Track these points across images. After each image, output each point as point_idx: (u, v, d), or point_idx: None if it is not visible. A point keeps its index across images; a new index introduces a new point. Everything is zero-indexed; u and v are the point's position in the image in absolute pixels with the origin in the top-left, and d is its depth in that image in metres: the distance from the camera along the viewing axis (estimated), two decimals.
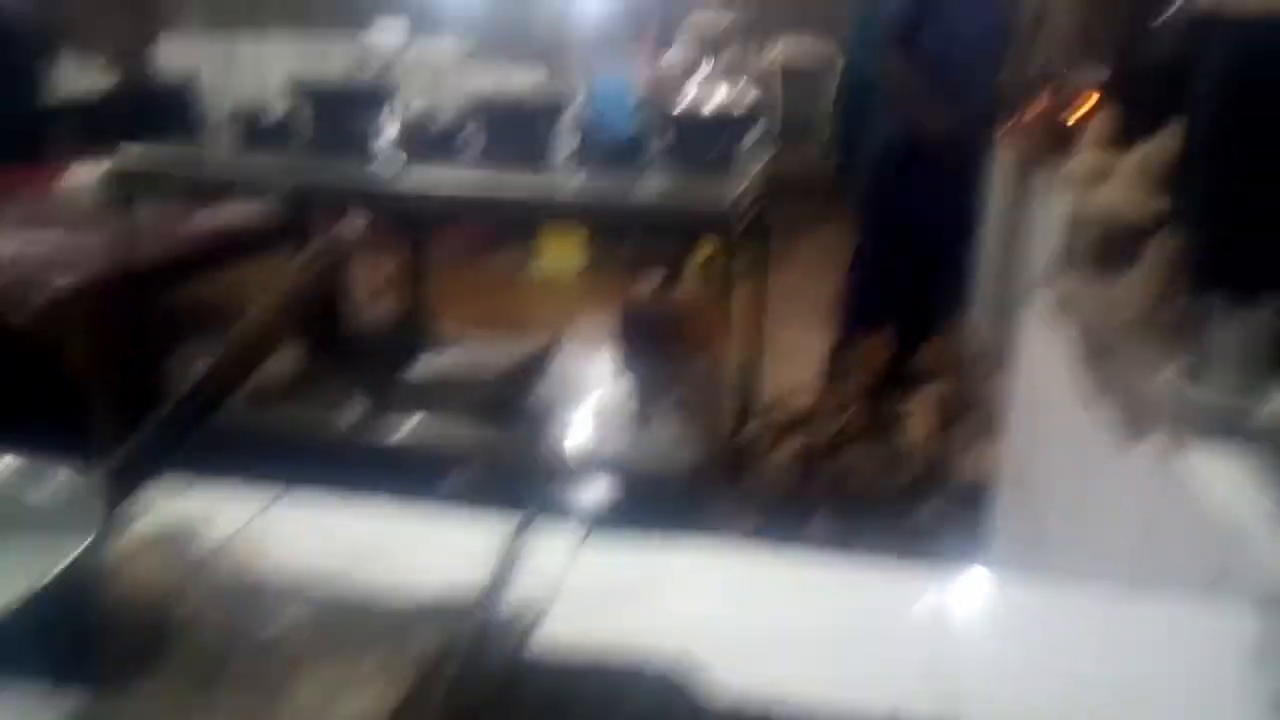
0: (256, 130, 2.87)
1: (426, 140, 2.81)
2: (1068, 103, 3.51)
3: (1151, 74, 2.93)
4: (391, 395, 2.75)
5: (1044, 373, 1.85)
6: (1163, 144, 2.36)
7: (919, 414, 3.20)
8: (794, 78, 7.08)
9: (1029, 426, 2.12)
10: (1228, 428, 1.18)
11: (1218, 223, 1.52)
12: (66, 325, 2.40)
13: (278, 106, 2.92)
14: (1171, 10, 3.80)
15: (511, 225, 5.42)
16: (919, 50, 3.49)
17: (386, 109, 2.86)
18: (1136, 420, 1.29)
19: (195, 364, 0.87)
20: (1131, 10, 4.04)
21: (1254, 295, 1.22)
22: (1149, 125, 2.76)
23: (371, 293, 3.64)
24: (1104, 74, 3.37)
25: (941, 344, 3.68)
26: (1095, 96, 3.40)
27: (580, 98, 3.08)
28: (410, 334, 3.22)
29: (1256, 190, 1.46)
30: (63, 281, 2.48)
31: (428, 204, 2.71)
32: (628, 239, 4.80)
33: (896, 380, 3.53)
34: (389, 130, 2.86)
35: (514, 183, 2.58)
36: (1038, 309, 1.92)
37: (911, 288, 3.68)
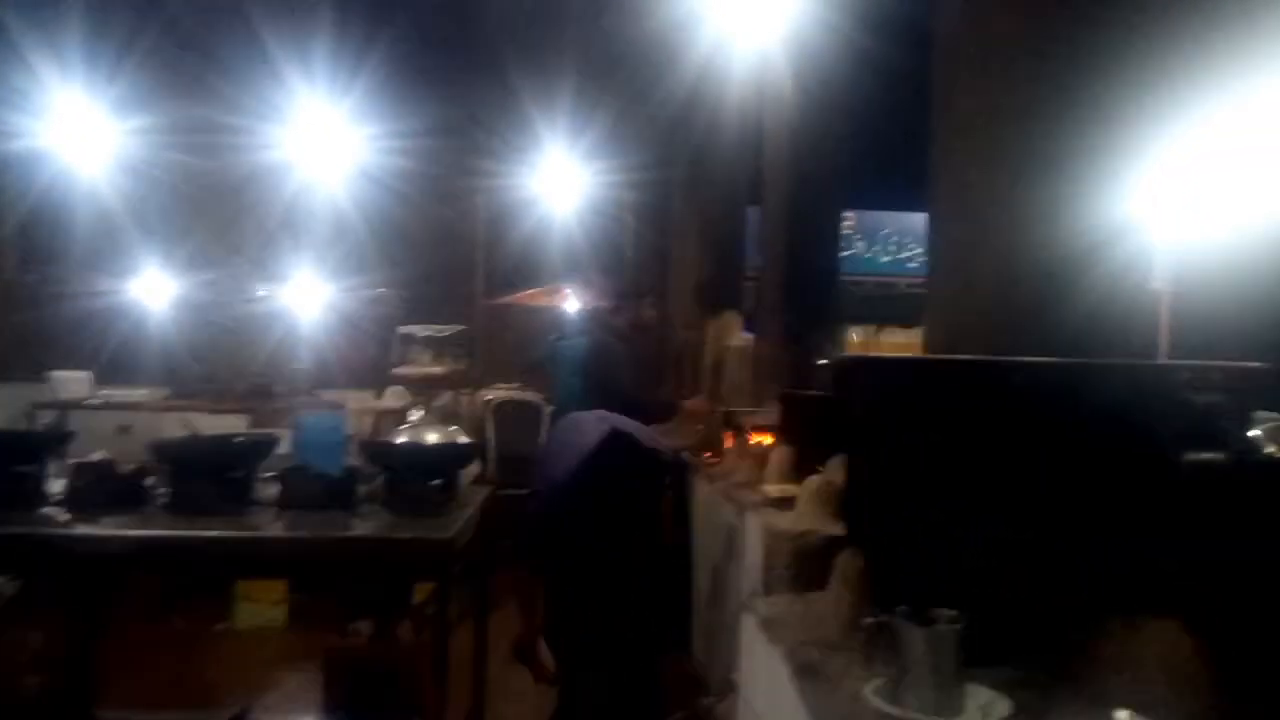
0: None
1: (101, 491, 2.55)
2: (749, 439, 3.92)
3: (812, 411, 3.39)
4: None
5: (765, 694, 1.87)
6: (832, 472, 2.67)
7: None
8: (506, 420, 7.42)
9: None
10: None
11: (886, 543, 1.69)
12: None
13: None
14: (826, 357, 4.50)
15: (204, 578, 4.91)
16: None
17: (57, 459, 2.60)
18: None
19: None
20: (791, 360, 4.75)
21: (932, 608, 1.35)
22: (819, 456, 3.13)
23: (24, 665, 3.07)
24: (774, 413, 3.84)
25: (669, 673, 3.66)
26: (771, 434, 3.84)
27: (286, 439, 2.99)
28: (74, 711, 2.70)
29: (910, 514, 1.66)
30: None
31: (98, 562, 2.40)
32: (338, 586, 4.49)
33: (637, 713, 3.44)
34: (59, 482, 2.57)
35: (203, 533, 2.37)
36: (749, 631, 1.99)
37: (633, 610, 3.70)
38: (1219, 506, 1.49)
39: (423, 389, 6.41)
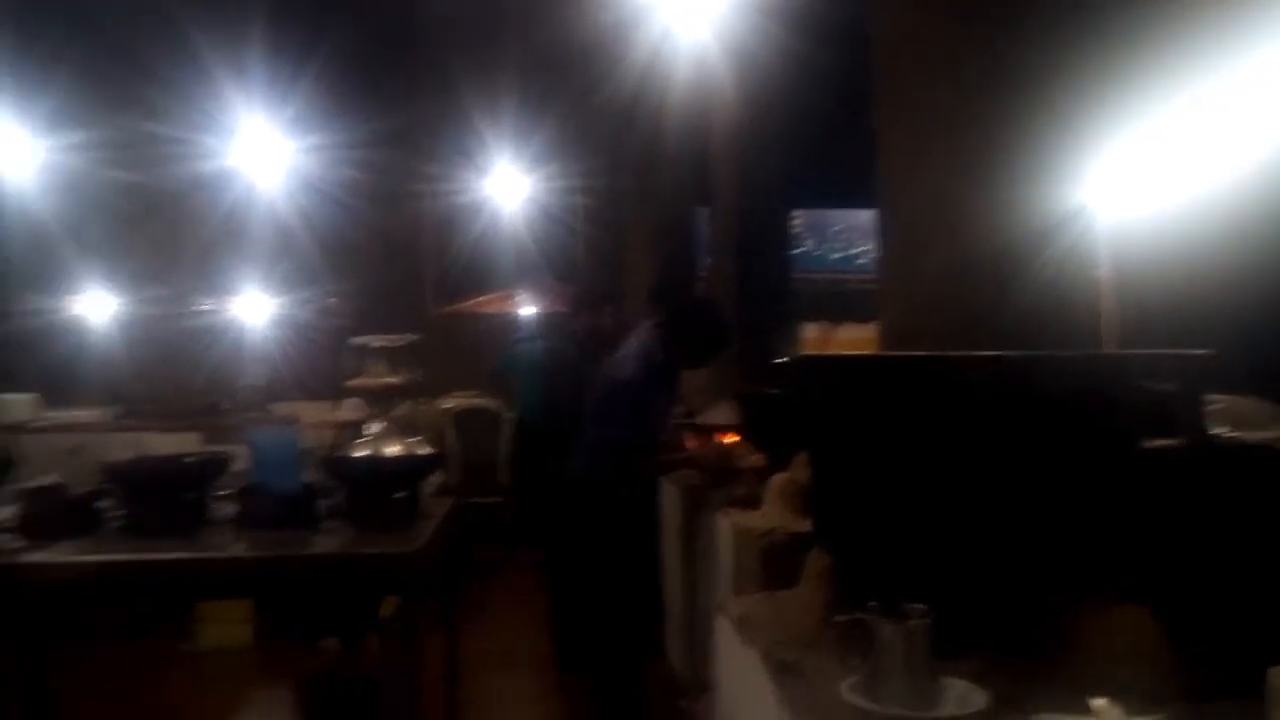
0: None
1: (53, 517, 2.48)
2: (712, 440, 3.94)
3: (771, 410, 3.42)
4: None
5: (742, 694, 1.89)
6: (795, 471, 2.69)
7: None
8: (467, 430, 7.37)
9: None
10: None
11: (852, 540, 1.72)
12: None
13: None
14: (780, 357, 4.54)
15: (163, 600, 4.80)
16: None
17: (3, 486, 2.53)
18: None
19: None
20: (747, 359, 4.78)
21: (902, 603, 1.37)
22: (781, 455, 3.16)
23: None
24: (734, 414, 3.86)
25: (651, 677, 3.68)
26: (732, 433, 3.87)
27: (241, 457, 2.94)
28: None
29: (874, 510, 1.69)
30: None
31: (54, 590, 2.33)
32: (301, 604, 4.42)
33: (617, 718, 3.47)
34: (8, 508, 2.50)
35: (161, 556, 2.32)
36: (723, 631, 2.00)
37: (606, 617, 3.69)
38: (1178, 491, 1.53)
39: (380, 400, 6.34)
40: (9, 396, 5.95)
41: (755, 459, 3.35)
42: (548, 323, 6.00)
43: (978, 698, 1.29)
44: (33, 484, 2.63)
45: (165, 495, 2.53)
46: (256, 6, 6.62)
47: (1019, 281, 2.50)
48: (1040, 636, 1.44)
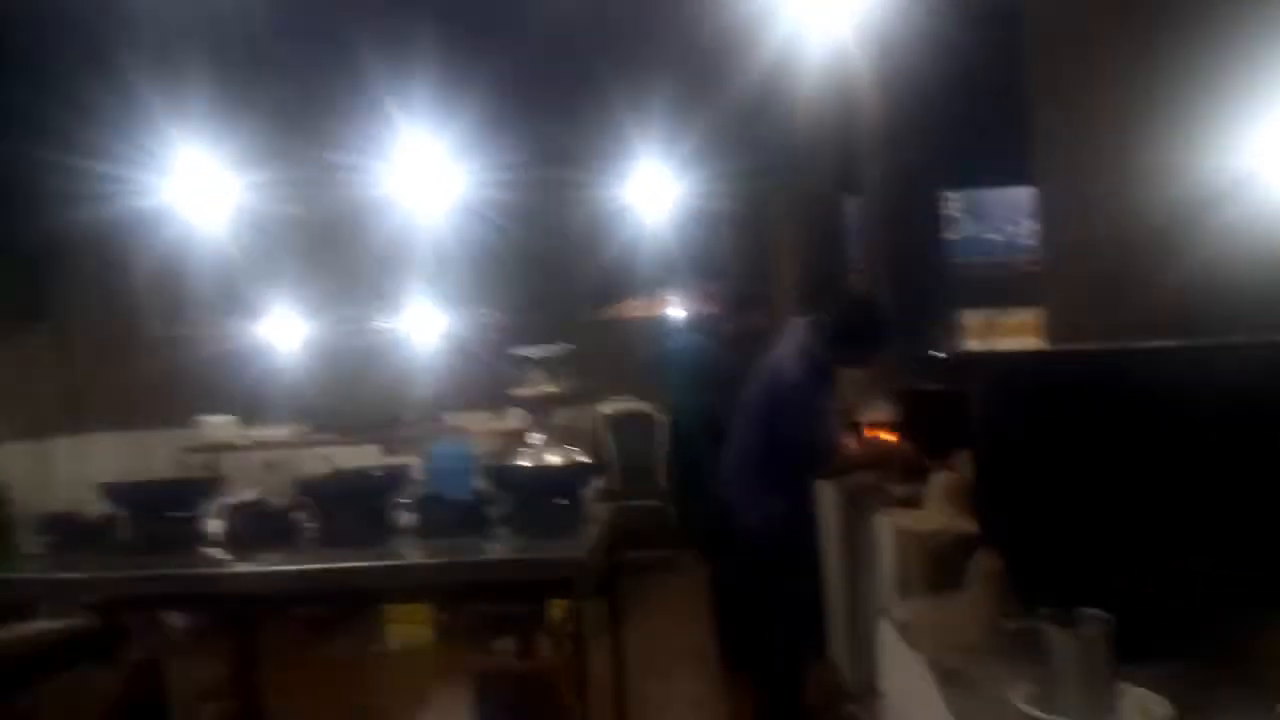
0: (69, 536, 2.70)
1: (256, 529, 2.72)
2: (870, 438, 3.87)
3: (932, 407, 3.32)
4: None
5: (910, 701, 1.86)
6: (958, 470, 2.61)
7: None
8: (624, 434, 7.52)
9: None
10: None
11: (1024, 542, 1.66)
12: None
13: (94, 509, 2.79)
14: (940, 348, 4.39)
15: (353, 605, 5.18)
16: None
17: (210, 503, 2.79)
18: None
19: None
20: (908, 355, 4.65)
21: (1077, 608, 1.31)
22: (943, 453, 3.07)
23: (200, 695, 3.30)
24: (894, 411, 3.77)
25: (817, 681, 3.66)
26: (892, 432, 3.78)
27: (418, 469, 3.12)
28: None
29: (1047, 510, 1.62)
30: None
31: (259, 597, 2.56)
32: (477, 606, 4.65)
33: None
34: (213, 524, 2.76)
35: (353, 564, 2.50)
36: (888, 637, 1.97)
37: (771, 620, 3.68)
38: None
39: (540, 408, 6.56)
40: (212, 419, 6.50)
41: (916, 458, 3.27)
42: (698, 325, 6.04)
43: (1160, 708, 1.23)
44: (236, 500, 2.90)
45: (354, 507, 2.72)
46: (423, 36, 6.98)
47: (1191, 254, 2.33)
48: (1226, 642, 1.35)
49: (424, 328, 8.96)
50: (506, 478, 2.87)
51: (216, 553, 2.63)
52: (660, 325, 9.39)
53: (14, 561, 2.70)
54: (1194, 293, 2.31)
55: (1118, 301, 2.50)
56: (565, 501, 2.76)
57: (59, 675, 2.72)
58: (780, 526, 3.52)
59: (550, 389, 6.68)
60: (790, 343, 3.59)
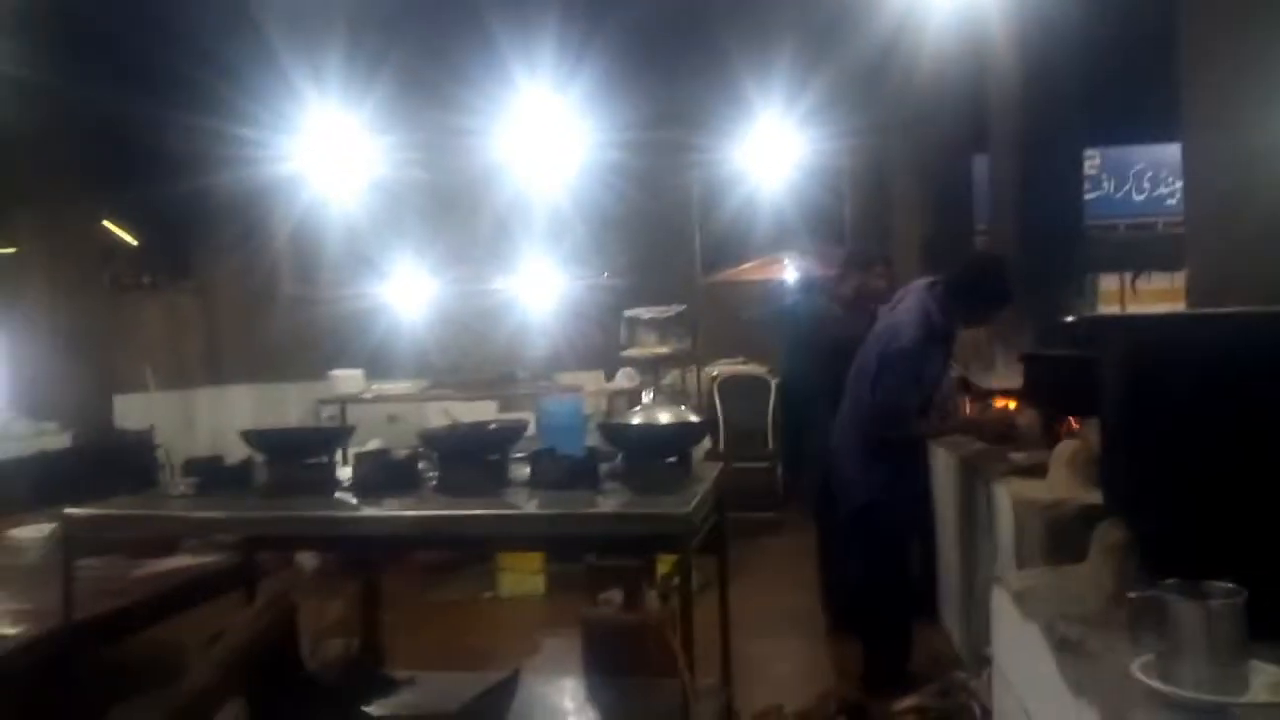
0: (212, 478, 2.89)
1: (381, 477, 2.85)
2: (989, 405, 3.74)
3: (1060, 373, 3.18)
4: None
5: (1022, 670, 1.81)
6: (1085, 438, 2.51)
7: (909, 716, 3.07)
8: (733, 396, 7.51)
9: None
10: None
11: (1151, 512, 1.58)
12: (13, 681, 2.27)
13: (233, 455, 2.98)
14: (1072, 313, 4.20)
15: (471, 552, 5.39)
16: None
17: (340, 451, 2.93)
18: (1117, 715, 1.25)
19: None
20: (1032, 318, 4.46)
21: (1206, 580, 1.25)
22: (1068, 420, 2.94)
23: (327, 630, 3.50)
24: (1016, 376, 3.63)
25: (925, 645, 3.62)
26: (1013, 399, 3.64)
27: (532, 423, 3.19)
28: (369, 670, 3.06)
29: (1176, 480, 1.54)
30: (8, 635, 2.38)
31: (384, 540, 2.68)
32: (587, 559, 4.78)
33: (887, 682, 3.45)
34: (343, 471, 2.90)
35: (470, 511, 2.59)
36: (1001, 604, 1.92)
37: (875, 584, 3.64)
38: None
39: (651, 368, 6.61)
40: (342, 372, 6.81)
41: (1040, 425, 3.15)
42: (814, 286, 5.94)
43: None
44: (363, 449, 3.04)
45: (473, 458, 2.81)
46: (548, 2, 7.01)
47: None
48: None
49: (540, 288, 9.13)
50: (617, 435, 2.91)
51: (344, 498, 2.77)
52: (776, 287, 9.29)
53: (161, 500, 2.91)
54: None
55: (1264, 265, 2.33)
56: (673, 459, 2.77)
57: (200, 607, 2.92)
58: (880, 490, 3.49)
59: (661, 349, 6.73)
60: (910, 304, 3.52)
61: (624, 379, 6.63)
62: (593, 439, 3.00)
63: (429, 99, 8.03)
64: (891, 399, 3.44)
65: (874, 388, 3.50)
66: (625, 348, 6.75)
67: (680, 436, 2.96)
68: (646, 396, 3.68)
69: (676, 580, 2.70)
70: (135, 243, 9.94)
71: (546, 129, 8.37)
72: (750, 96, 8.27)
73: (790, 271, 9.49)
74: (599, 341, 8.00)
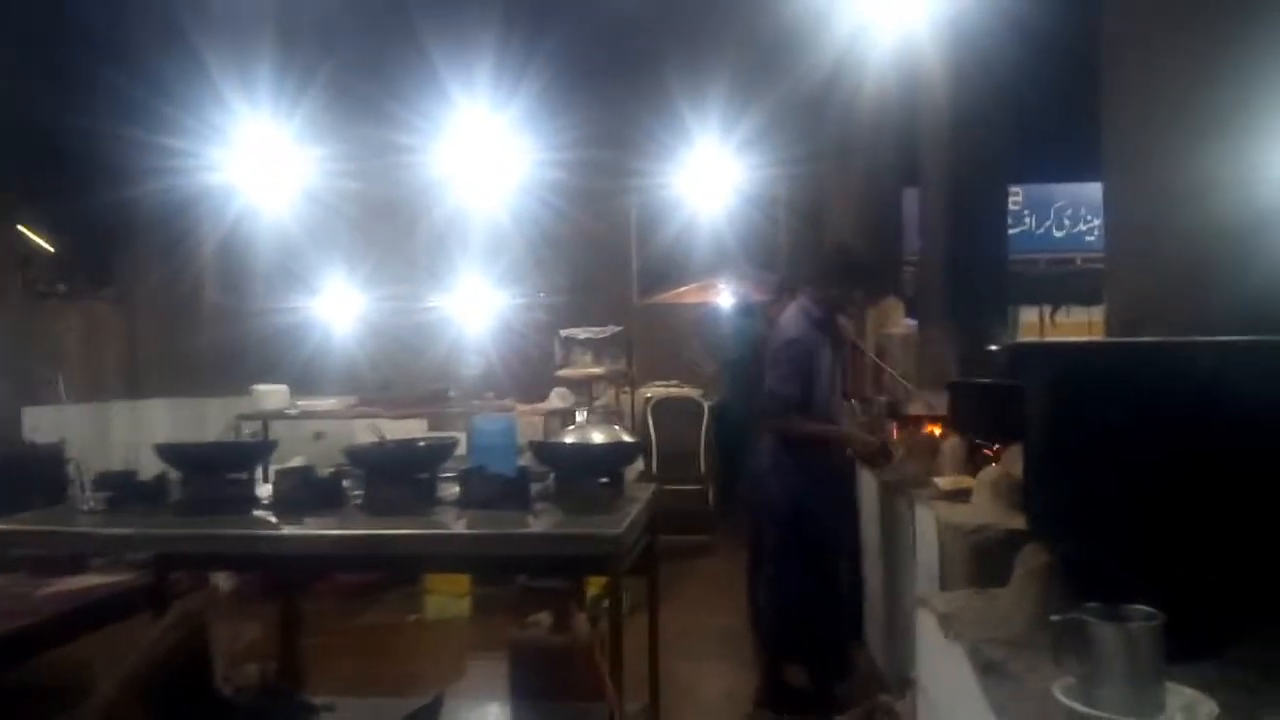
0: (124, 494, 2.77)
1: (303, 495, 2.76)
2: (917, 430, 3.81)
3: (984, 400, 3.25)
4: None
5: (946, 692, 1.82)
6: (1009, 463, 2.56)
7: None
8: (666, 418, 7.52)
9: None
10: None
11: (1073, 537, 1.62)
12: None
13: (149, 471, 2.86)
14: (997, 343, 4.31)
15: (394, 572, 5.27)
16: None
17: (261, 468, 2.83)
18: None
19: None
20: (958, 346, 4.57)
21: (1126, 604, 1.27)
22: (991, 446, 3.00)
23: (243, 653, 3.37)
24: (942, 402, 3.71)
25: (856, 669, 3.65)
26: (938, 424, 3.72)
27: (462, 442, 3.13)
28: (286, 696, 2.95)
29: (1097, 506, 1.57)
30: None
31: (304, 560, 2.60)
32: (518, 580, 4.71)
33: (810, 703, 3.49)
34: (262, 488, 2.81)
35: (396, 531, 2.53)
36: (926, 627, 1.94)
37: (798, 603, 3.66)
38: None
39: (585, 389, 6.58)
40: (265, 387, 6.63)
41: (963, 451, 3.21)
42: (751, 311, 6.00)
43: (1206, 707, 1.19)
44: (285, 466, 2.95)
45: (400, 477, 2.75)
46: (487, 19, 6.99)
47: (1265, 256, 2.24)
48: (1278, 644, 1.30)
49: (474, 307, 9.04)
50: (549, 454, 2.88)
51: (264, 516, 2.68)
52: (712, 311, 9.35)
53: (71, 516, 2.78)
54: (1261, 293, 2.23)
55: (1182, 301, 2.41)
56: (606, 480, 2.75)
57: (108, 627, 2.79)
58: (802, 497, 3.55)
59: (596, 370, 6.72)
60: (790, 310, 3.81)
61: (558, 399, 6.58)
62: (525, 458, 2.96)
63: (363, 113, 7.93)
64: (775, 387, 3.63)
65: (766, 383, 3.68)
66: (560, 367, 6.72)
67: (613, 456, 2.93)
68: (580, 416, 3.65)
69: (606, 603, 2.67)
70: (52, 249, 9.56)
71: (484, 146, 8.33)
72: (690, 122, 8.37)
73: (726, 296, 9.57)
74: (534, 361, 7.95)
